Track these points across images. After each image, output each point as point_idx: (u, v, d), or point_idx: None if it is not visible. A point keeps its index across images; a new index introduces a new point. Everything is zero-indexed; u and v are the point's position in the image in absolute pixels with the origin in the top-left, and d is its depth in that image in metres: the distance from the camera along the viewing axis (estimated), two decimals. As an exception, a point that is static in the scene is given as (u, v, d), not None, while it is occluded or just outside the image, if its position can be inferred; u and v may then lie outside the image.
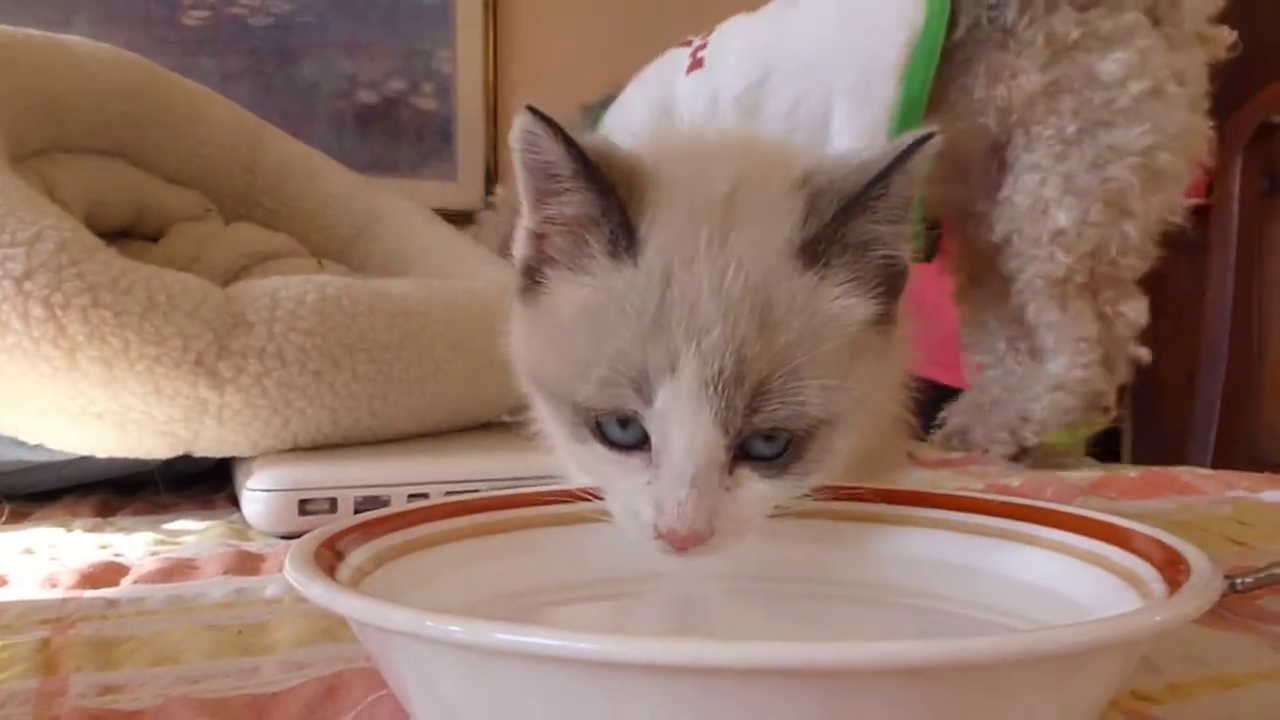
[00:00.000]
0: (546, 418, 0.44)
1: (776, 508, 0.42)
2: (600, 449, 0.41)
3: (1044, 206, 1.02)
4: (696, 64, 1.20)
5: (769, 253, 0.40)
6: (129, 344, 0.72)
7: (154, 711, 0.39)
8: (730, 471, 0.40)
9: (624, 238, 0.41)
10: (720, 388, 0.38)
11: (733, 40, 1.19)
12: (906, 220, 0.41)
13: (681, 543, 0.39)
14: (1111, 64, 1.01)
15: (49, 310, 0.71)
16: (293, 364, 0.78)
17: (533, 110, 0.41)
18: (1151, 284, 1.07)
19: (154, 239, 1.09)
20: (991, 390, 1.13)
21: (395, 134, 2.44)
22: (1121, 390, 1.09)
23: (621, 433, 0.40)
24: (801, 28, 1.15)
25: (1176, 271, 1.05)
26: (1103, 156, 1.01)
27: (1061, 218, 1.01)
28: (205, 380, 0.75)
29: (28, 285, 0.71)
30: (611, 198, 0.41)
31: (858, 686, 0.26)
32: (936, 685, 0.26)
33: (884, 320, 0.42)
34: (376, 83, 2.45)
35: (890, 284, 0.42)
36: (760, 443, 0.40)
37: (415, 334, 0.85)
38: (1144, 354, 1.07)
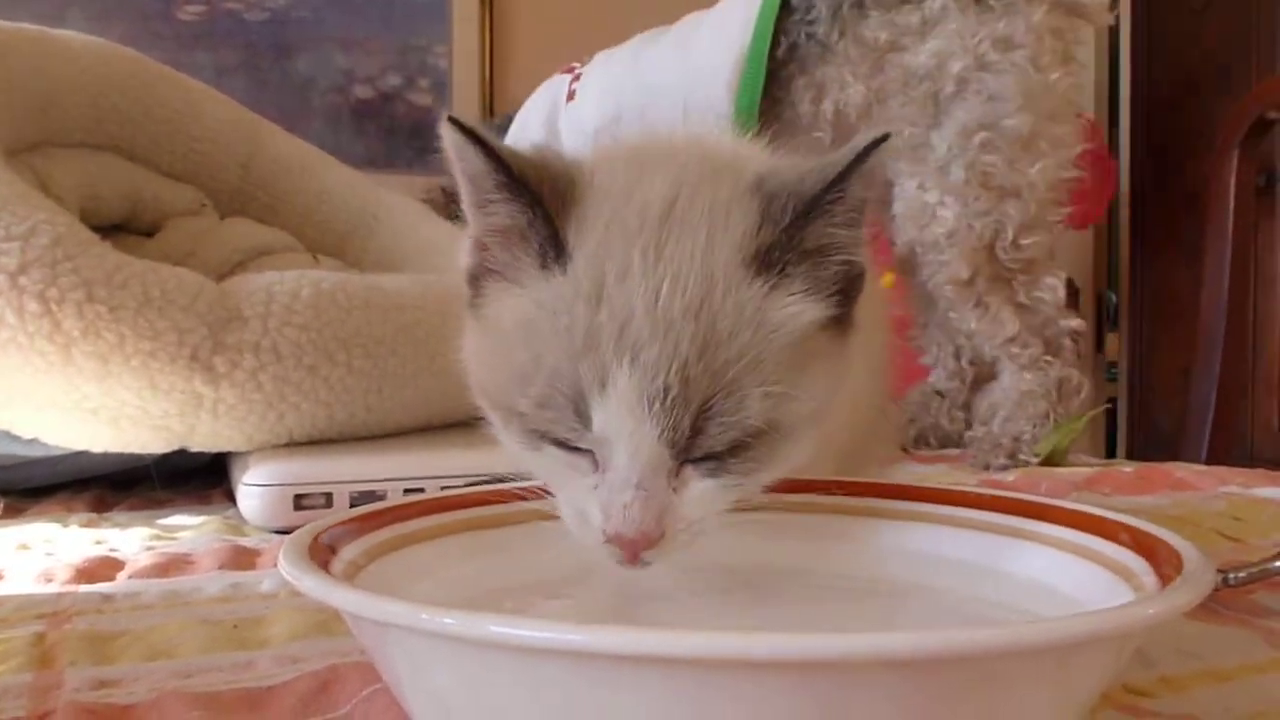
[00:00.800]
0: (497, 428, 0.43)
1: (735, 505, 0.40)
2: (553, 451, 0.40)
3: (931, 211, 1.03)
4: (571, 95, 1.30)
5: (713, 262, 0.39)
6: (124, 339, 0.72)
7: (148, 705, 0.39)
8: (676, 473, 0.39)
9: (552, 249, 0.40)
10: (667, 406, 0.37)
11: (596, 77, 1.29)
12: (862, 223, 0.41)
13: (630, 546, 0.38)
14: (923, 56, 1.03)
15: (44, 305, 0.70)
16: (288, 359, 0.78)
17: (453, 122, 0.40)
18: (1146, 281, 1.07)
19: (149, 234, 1.09)
20: (940, 390, 1.15)
21: (391, 130, 2.44)
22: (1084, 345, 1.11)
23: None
24: (652, 61, 1.24)
25: (1172, 268, 1.05)
26: (955, 145, 1.02)
27: (948, 217, 1.02)
28: (200, 375, 0.75)
29: (22, 280, 0.71)
30: (538, 209, 0.40)
31: (851, 677, 0.26)
32: (929, 677, 0.26)
33: (839, 323, 0.42)
34: (372, 78, 2.46)
35: (847, 288, 0.42)
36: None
37: (410, 328, 0.85)
38: (1077, 324, 1.07)
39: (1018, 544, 0.42)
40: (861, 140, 0.39)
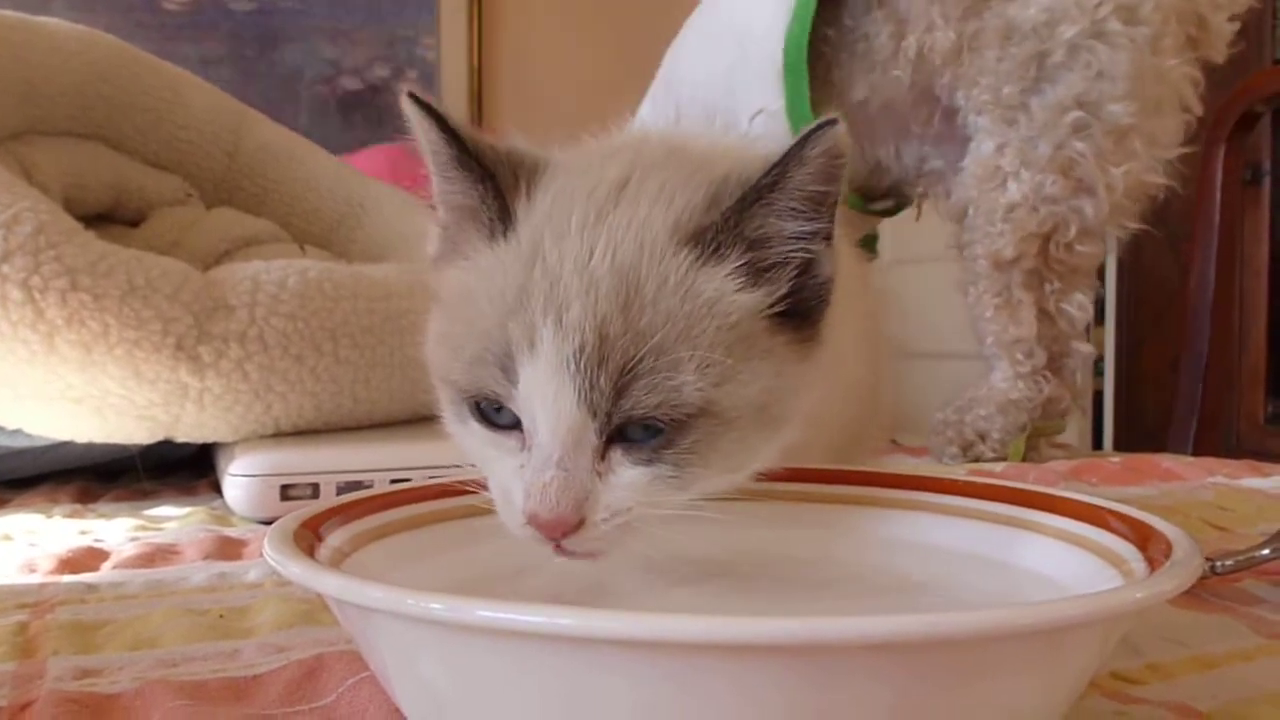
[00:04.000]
0: (441, 408, 0.43)
1: (706, 499, 0.39)
2: (479, 429, 0.40)
3: (1002, 178, 0.96)
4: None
5: (645, 233, 0.39)
6: (108, 328, 0.72)
7: (132, 694, 0.38)
8: (603, 456, 0.38)
9: (501, 223, 0.41)
10: (583, 366, 0.36)
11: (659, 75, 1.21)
12: (817, 219, 0.39)
13: (548, 529, 0.37)
14: (1033, 9, 0.94)
15: (27, 293, 0.70)
16: (274, 348, 0.78)
17: (412, 97, 0.40)
18: (1134, 274, 1.03)
19: (134, 224, 1.08)
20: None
21: (378, 121, 2.43)
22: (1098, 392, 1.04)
23: (498, 412, 0.39)
24: (703, 14, 1.16)
25: (1159, 261, 1.02)
26: (1051, 121, 0.94)
27: (1015, 191, 0.95)
28: (186, 365, 0.74)
29: (5, 268, 0.70)
30: (489, 183, 0.41)
31: (838, 661, 0.26)
32: (918, 660, 0.26)
33: (798, 332, 0.41)
34: (360, 69, 2.44)
35: (808, 294, 0.41)
36: (636, 428, 0.38)
37: (397, 318, 0.85)
38: (1087, 350, 1.01)
39: (1012, 532, 0.42)
40: (808, 126, 0.38)
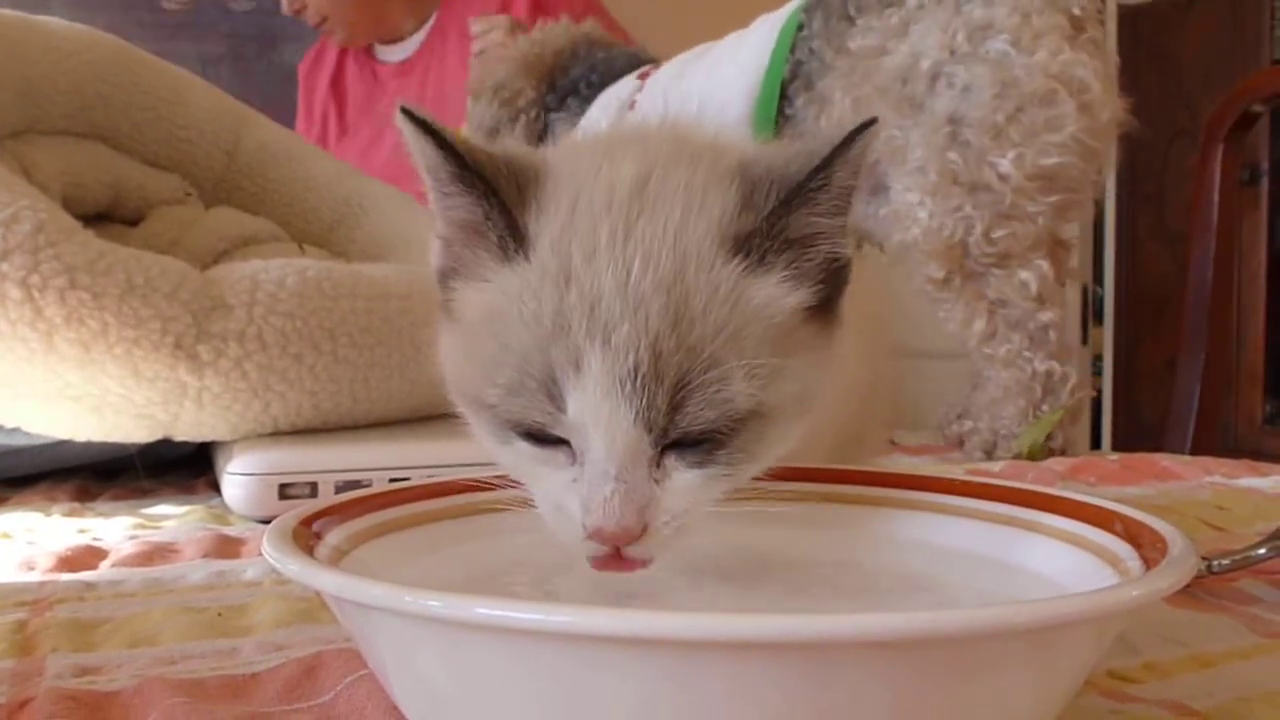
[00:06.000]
0: (474, 427, 0.42)
1: (727, 496, 0.39)
2: (524, 446, 0.39)
3: (912, 213, 1.02)
4: (633, 105, 1.30)
5: (687, 241, 0.38)
6: (107, 326, 0.72)
7: (131, 692, 0.38)
8: (658, 464, 0.38)
9: (513, 240, 0.39)
10: (639, 385, 0.36)
11: (651, 92, 1.29)
12: (847, 212, 0.40)
13: (611, 539, 0.37)
14: (900, 56, 1.02)
15: (26, 292, 0.70)
16: (273, 347, 0.78)
17: (406, 112, 0.39)
18: (1132, 274, 1.04)
19: (133, 223, 1.08)
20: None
21: (377, 120, 2.43)
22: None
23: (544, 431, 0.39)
24: (691, 79, 1.25)
25: (1157, 261, 1.03)
26: (930, 144, 1.00)
27: (924, 217, 1.01)
28: (184, 363, 0.74)
29: (4, 267, 0.70)
30: (493, 199, 0.39)
31: (836, 659, 0.26)
32: (914, 658, 0.26)
33: (823, 315, 0.41)
34: (358, 68, 2.44)
35: (831, 279, 0.41)
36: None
37: (396, 318, 0.85)
38: (1048, 317, 1.02)
39: (1012, 532, 0.42)
40: (848, 126, 0.38)
